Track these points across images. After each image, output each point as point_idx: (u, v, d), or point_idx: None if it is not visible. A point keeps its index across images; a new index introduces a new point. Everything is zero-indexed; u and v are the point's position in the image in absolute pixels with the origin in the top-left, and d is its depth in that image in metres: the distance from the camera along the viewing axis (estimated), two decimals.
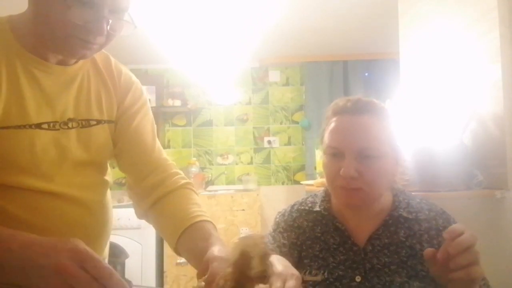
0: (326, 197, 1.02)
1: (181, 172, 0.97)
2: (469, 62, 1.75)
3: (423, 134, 1.82)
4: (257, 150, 4.02)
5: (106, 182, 0.96)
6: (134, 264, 3.11)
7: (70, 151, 0.84)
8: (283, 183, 4.00)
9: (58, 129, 0.83)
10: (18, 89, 0.78)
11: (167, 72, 3.99)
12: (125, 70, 0.97)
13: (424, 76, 2.06)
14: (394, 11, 2.30)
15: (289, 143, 4.02)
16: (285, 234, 1.00)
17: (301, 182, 3.56)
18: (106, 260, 1.01)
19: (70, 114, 0.85)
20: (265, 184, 3.98)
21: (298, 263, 0.96)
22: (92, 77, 0.89)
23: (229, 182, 3.97)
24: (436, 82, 1.96)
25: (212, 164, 3.99)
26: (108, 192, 0.98)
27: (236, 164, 4.00)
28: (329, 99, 3.81)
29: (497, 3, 1.61)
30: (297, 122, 4.02)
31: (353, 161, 0.88)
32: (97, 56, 0.90)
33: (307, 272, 0.92)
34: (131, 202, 0.97)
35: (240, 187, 3.82)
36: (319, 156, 2.45)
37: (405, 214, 0.94)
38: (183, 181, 0.94)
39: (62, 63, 0.84)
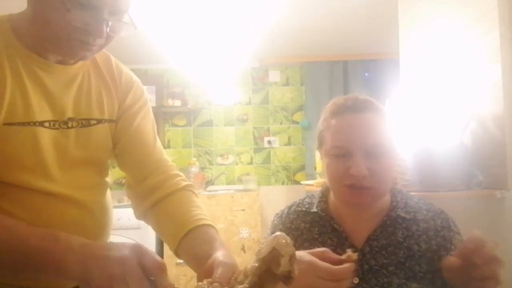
0: (323, 198, 1.01)
1: (181, 174, 0.97)
2: (469, 62, 1.75)
3: (423, 134, 1.82)
4: (257, 150, 4.02)
5: (106, 183, 0.96)
6: None
7: (68, 151, 0.84)
8: (283, 183, 4.00)
9: (58, 128, 0.83)
10: (22, 86, 0.78)
11: (167, 72, 3.99)
12: (126, 69, 0.97)
13: (424, 76, 2.06)
14: (394, 11, 2.30)
15: (289, 143, 4.02)
16: None
17: (301, 182, 3.56)
18: None
19: (70, 113, 0.84)
20: (265, 184, 3.98)
21: None
22: (92, 76, 0.89)
23: (229, 182, 3.97)
24: (436, 82, 1.96)
25: (212, 164, 3.99)
26: (108, 193, 0.97)
27: (236, 164, 4.00)
28: (329, 99, 3.70)
29: (497, 3, 1.61)
30: (297, 122, 4.02)
31: (362, 159, 0.87)
32: (98, 56, 0.90)
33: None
34: (131, 203, 0.97)
35: (240, 187, 3.82)
36: (319, 157, 2.44)
37: (403, 215, 0.93)
38: (184, 183, 0.93)
39: (61, 62, 0.84)
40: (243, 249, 3.34)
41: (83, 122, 0.86)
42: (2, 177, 0.77)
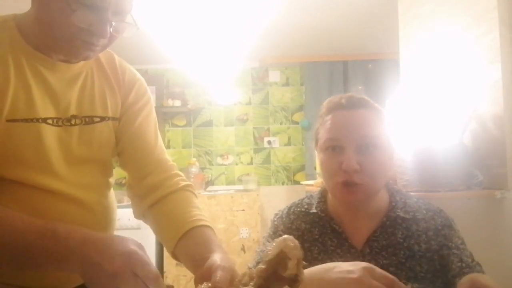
0: (322, 198, 1.00)
1: (181, 174, 0.96)
2: (469, 62, 1.75)
3: (423, 134, 1.82)
4: (257, 150, 4.02)
5: (109, 183, 0.96)
6: None
7: (71, 148, 0.84)
8: (283, 183, 4.00)
9: (61, 126, 0.83)
10: (26, 83, 0.78)
11: (167, 72, 3.99)
12: (129, 67, 0.97)
13: (424, 76, 2.06)
14: (394, 11, 2.30)
15: (289, 143, 4.02)
16: None
17: (301, 182, 3.57)
18: None
19: (73, 111, 0.85)
20: (265, 184, 3.98)
21: None
22: (96, 74, 0.90)
23: (229, 182, 3.97)
24: (436, 82, 1.96)
25: (212, 164, 3.99)
26: (112, 193, 0.97)
27: (236, 164, 4.00)
28: None
29: (497, 3, 1.61)
30: (297, 122, 4.02)
31: (353, 154, 0.88)
32: (101, 55, 0.90)
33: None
34: (131, 202, 0.97)
35: (240, 187, 3.82)
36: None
37: (402, 214, 0.93)
38: (183, 183, 0.93)
39: (65, 61, 0.84)
40: (243, 249, 3.34)
41: (86, 119, 0.86)
42: (5, 174, 0.77)
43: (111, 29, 0.76)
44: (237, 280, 0.64)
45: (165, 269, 3.28)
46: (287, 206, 1.05)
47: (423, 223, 0.93)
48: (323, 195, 1.01)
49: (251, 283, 0.60)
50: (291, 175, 4.00)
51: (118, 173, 0.99)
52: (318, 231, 0.97)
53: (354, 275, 0.70)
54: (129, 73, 0.95)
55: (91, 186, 0.88)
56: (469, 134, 1.72)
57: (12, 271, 0.77)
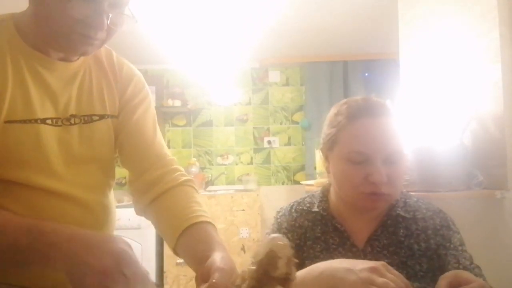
0: (324, 198, 1.01)
1: (181, 168, 0.95)
2: (469, 62, 1.75)
3: (423, 134, 1.82)
4: (257, 150, 4.02)
5: (110, 183, 0.95)
6: None
7: (72, 148, 0.84)
8: (283, 183, 4.00)
9: (61, 125, 0.83)
10: (24, 84, 0.78)
11: (167, 72, 3.99)
12: (127, 63, 0.96)
13: (424, 76, 2.06)
14: (394, 11, 2.30)
15: (289, 143, 4.02)
16: (289, 235, 0.98)
17: (301, 182, 3.56)
18: None
19: (72, 110, 0.84)
20: (265, 184, 3.97)
21: (301, 265, 0.95)
22: (94, 72, 0.89)
23: (229, 182, 3.97)
24: (436, 82, 1.96)
25: (212, 164, 3.99)
26: (112, 194, 0.97)
27: (236, 164, 4.00)
28: (329, 100, 3.81)
29: (497, 3, 1.61)
30: (297, 122, 4.01)
31: (382, 166, 0.87)
32: (100, 51, 0.90)
33: None
34: (131, 202, 0.96)
35: (240, 187, 3.82)
36: (319, 156, 2.44)
37: (402, 214, 0.93)
38: (183, 178, 0.91)
39: (64, 59, 0.84)
40: (243, 249, 3.34)
41: (86, 118, 0.86)
42: (4, 175, 0.77)
43: (108, 21, 0.76)
44: (230, 282, 0.63)
45: (165, 269, 3.28)
46: (289, 204, 1.05)
47: (422, 222, 0.93)
48: (324, 194, 1.02)
49: (243, 285, 0.59)
50: (291, 175, 4.00)
51: (118, 173, 0.99)
52: (320, 229, 0.97)
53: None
54: (127, 68, 0.95)
55: (92, 186, 0.88)
56: (469, 134, 1.72)
57: (12, 271, 0.77)
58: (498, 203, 1.60)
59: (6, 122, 0.76)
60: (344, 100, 0.97)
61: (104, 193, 0.93)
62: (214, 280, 0.64)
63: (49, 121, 0.81)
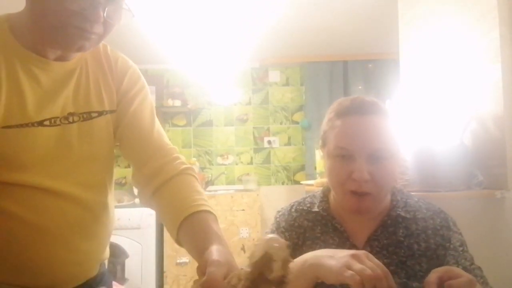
0: (324, 198, 1.01)
1: (182, 156, 0.94)
2: (469, 62, 1.75)
3: (423, 134, 1.82)
4: (257, 150, 4.02)
5: (110, 183, 0.95)
6: (134, 264, 3.11)
7: (73, 146, 0.84)
8: (283, 183, 4.00)
9: (60, 125, 0.82)
10: (19, 88, 0.78)
11: (167, 72, 3.99)
12: (121, 55, 0.96)
13: (424, 76, 2.06)
14: (394, 11, 2.30)
15: (289, 143, 4.02)
16: (286, 234, 0.99)
17: (301, 182, 3.57)
18: (106, 261, 1.00)
19: (70, 108, 0.84)
20: (265, 184, 3.98)
21: None
22: (90, 68, 0.89)
23: (229, 182, 3.97)
24: (436, 82, 1.96)
25: (212, 164, 3.99)
26: (112, 193, 0.97)
27: (236, 164, 4.00)
28: (329, 99, 3.81)
29: (497, 3, 1.61)
30: (297, 122, 4.02)
31: (364, 164, 0.87)
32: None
33: None
34: (131, 202, 0.96)
35: (240, 187, 3.82)
36: (319, 156, 2.44)
37: (403, 214, 0.93)
38: (183, 166, 0.90)
39: (61, 59, 0.84)
40: (243, 249, 3.34)
41: (84, 115, 0.86)
42: (4, 177, 0.77)
43: (105, 14, 0.75)
44: (225, 281, 0.61)
45: (165, 269, 3.28)
46: (289, 204, 1.05)
47: (422, 222, 0.93)
48: (325, 194, 1.02)
49: (239, 285, 0.58)
50: (291, 175, 4.00)
51: (118, 173, 0.99)
52: (320, 229, 0.97)
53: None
54: (122, 60, 0.95)
55: (91, 185, 0.88)
56: (469, 134, 1.72)
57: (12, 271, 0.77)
58: (498, 203, 1.60)
59: (3, 127, 0.76)
60: (339, 99, 0.98)
61: (104, 193, 0.93)
62: (206, 276, 0.61)
63: (47, 122, 0.80)
